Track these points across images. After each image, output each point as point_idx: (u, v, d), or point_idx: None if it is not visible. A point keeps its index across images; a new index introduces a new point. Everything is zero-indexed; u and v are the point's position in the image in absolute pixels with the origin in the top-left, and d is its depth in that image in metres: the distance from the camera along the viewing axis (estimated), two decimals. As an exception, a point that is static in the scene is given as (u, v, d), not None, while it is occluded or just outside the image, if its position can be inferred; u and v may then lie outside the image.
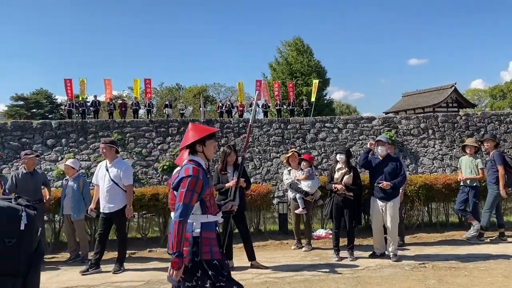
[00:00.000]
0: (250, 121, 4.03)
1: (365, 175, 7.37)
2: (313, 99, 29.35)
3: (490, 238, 7.54)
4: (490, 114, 25.79)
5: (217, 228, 3.31)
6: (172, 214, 3.14)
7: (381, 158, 6.55)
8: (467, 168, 7.59)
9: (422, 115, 26.88)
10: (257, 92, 28.33)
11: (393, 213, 6.36)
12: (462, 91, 44.18)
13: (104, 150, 6.28)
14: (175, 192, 3.12)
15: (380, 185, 6.30)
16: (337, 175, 6.61)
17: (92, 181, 6.66)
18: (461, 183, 7.72)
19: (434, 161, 23.74)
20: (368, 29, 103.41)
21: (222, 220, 3.43)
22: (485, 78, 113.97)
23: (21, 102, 46.21)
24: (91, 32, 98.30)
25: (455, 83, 35.12)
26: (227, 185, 6.10)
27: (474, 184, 7.52)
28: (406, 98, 39.59)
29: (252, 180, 7.41)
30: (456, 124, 24.63)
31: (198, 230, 3.09)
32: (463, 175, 7.66)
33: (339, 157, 6.70)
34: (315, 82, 30.43)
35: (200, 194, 3.06)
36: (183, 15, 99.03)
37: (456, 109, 33.45)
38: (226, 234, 6.21)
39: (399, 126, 24.49)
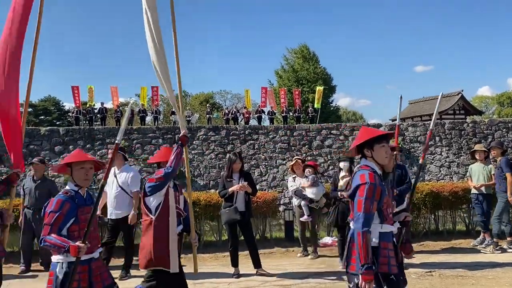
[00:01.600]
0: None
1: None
2: (317, 105, 29.37)
3: (499, 246, 7.49)
4: (498, 121, 25.64)
5: (393, 239, 3.16)
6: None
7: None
8: (480, 175, 7.48)
9: (428, 122, 26.78)
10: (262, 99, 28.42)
11: (397, 220, 6.34)
12: (469, 98, 44.01)
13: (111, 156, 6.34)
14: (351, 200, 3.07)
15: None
16: (341, 182, 6.62)
17: (100, 188, 6.70)
18: (472, 191, 7.62)
19: (441, 169, 23.61)
20: (374, 36, 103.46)
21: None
22: (492, 85, 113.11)
23: (29, 109, 46.60)
24: (99, 39, 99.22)
25: (462, 90, 35.02)
26: (230, 189, 6.13)
27: (488, 192, 7.42)
28: (412, 105, 39.50)
29: (258, 187, 7.42)
30: (463, 132, 24.50)
31: (376, 240, 2.99)
32: (474, 183, 7.55)
33: (342, 164, 6.72)
34: (319, 89, 30.45)
35: (379, 202, 2.96)
36: (190, 22, 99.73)
37: (463, 116, 33.30)
38: (232, 241, 6.27)
39: (405, 133, 24.42)
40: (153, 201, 4.27)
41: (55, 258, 3.20)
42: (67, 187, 3.38)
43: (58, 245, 3.06)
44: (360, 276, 2.82)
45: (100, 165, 3.57)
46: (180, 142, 4.40)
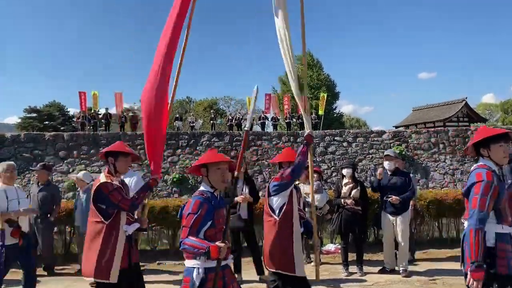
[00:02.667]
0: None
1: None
2: (321, 112, 29.38)
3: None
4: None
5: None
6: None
7: (389, 173, 6.56)
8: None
9: (432, 129, 26.72)
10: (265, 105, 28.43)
11: (403, 227, 6.34)
12: (473, 105, 43.92)
13: None
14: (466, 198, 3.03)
15: (389, 199, 6.30)
16: (344, 189, 6.62)
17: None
18: None
19: (445, 176, 23.52)
20: (377, 43, 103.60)
21: None
22: (497, 92, 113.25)
23: (34, 114, 46.80)
24: (103, 46, 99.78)
25: (466, 98, 34.95)
26: (234, 199, 6.13)
27: None
28: (416, 112, 39.46)
29: (261, 193, 7.42)
30: (467, 139, 24.41)
31: (493, 241, 2.96)
32: None
33: (345, 171, 6.72)
34: (323, 95, 30.49)
35: (496, 201, 2.93)
36: (194, 28, 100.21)
37: (467, 124, 33.21)
38: (235, 248, 6.27)
39: (409, 140, 24.37)
40: (277, 201, 4.21)
41: (190, 262, 3.08)
42: (202, 188, 3.26)
43: (198, 247, 2.91)
44: (469, 273, 2.79)
45: (234, 166, 3.42)
46: (305, 141, 4.38)
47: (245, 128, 3.32)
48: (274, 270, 4.15)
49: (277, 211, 4.19)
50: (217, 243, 2.92)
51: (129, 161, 4.26)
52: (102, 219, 3.96)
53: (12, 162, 5.41)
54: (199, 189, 3.27)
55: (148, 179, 4.38)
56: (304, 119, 4.58)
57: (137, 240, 4.51)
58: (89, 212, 4.16)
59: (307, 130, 4.50)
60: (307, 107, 4.67)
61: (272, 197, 4.24)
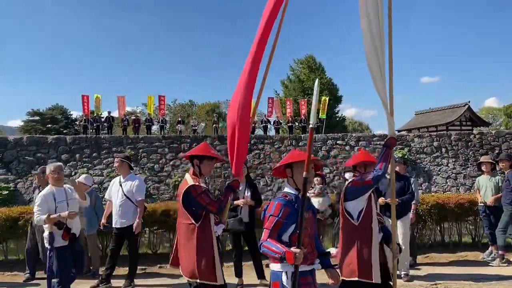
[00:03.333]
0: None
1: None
2: (323, 115, 29.38)
3: (505, 259, 7.41)
4: (505, 133, 25.49)
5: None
6: None
7: (388, 176, 6.54)
8: (487, 187, 7.45)
9: (435, 133, 26.68)
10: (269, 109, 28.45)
11: (404, 230, 6.32)
12: (476, 109, 43.80)
13: (117, 165, 6.41)
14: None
15: (387, 200, 6.28)
16: (347, 193, 6.59)
17: (105, 197, 6.76)
18: (480, 203, 7.59)
19: (447, 180, 23.46)
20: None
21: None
22: (499, 96, 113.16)
23: (37, 118, 46.97)
24: (106, 49, 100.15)
25: (469, 102, 34.89)
26: (235, 202, 6.13)
27: (496, 204, 7.35)
28: (419, 116, 39.40)
29: (263, 197, 7.44)
30: (470, 143, 24.37)
31: None
32: (482, 195, 7.52)
33: (348, 175, 6.70)
34: (325, 99, 30.50)
35: None
36: (197, 33, 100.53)
37: (470, 128, 33.13)
38: (236, 252, 6.26)
39: (412, 144, 24.33)
40: (355, 205, 4.07)
41: (277, 266, 2.99)
42: (286, 190, 3.16)
43: (274, 251, 2.85)
44: None
45: (320, 166, 3.29)
46: (388, 144, 4.18)
47: (311, 125, 3.04)
48: (351, 279, 3.98)
49: (355, 216, 4.05)
50: (292, 249, 2.83)
51: (213, 164, 4.37)
52: (193, 221, 4.03)
53: (60, 163, 5.42)
54: (283, 191, 3.18)
55: (230, 181, 4.37)
56: (387, 121, 4.37)
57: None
58: (179, 213, 4.27)
59: (390, 132, 4.27)
60: (392, 109, 4.39)
61: (349, 202, 4.08)
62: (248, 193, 6.21)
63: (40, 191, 7.20)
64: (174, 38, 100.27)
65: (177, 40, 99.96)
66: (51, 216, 4.88)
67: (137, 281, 6.45)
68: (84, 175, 7.69)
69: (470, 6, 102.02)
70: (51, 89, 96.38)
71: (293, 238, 2.96)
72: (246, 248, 6.51)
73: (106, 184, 20.91)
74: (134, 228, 6.22)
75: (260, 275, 6.21)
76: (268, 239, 2.94)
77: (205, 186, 4.18)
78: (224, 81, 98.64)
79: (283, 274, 2.94)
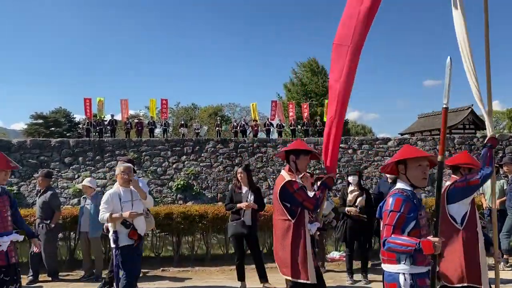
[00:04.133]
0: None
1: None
2: (325, 119, 29.31)
3: (509, 263, 7.38)
4: (508, 136, 25.41)
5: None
6: None
7: (390, 181, 6.55)
8: (492, 190, 7.41)
9: (438, 136, 26.60)
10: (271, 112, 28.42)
11: (407, 235, 6.30)
12: (479, 113, 43.65)
13: None
14: None
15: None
16: (350, 197, 6.59)
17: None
18: (484, 207, 7.56)
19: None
20: (382, 49, 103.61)
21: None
22: (502, 99, 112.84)
23: (40, 121, 47.10)
24: (109, 53, 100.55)
25: (472, 105, 34.75)
26: (238, 205, 6.13)
27: (501, 208, 7.30)
28: (422, 120, 39.29)
29: (266, 200, 7.40)
30: (473, 146, 24.31)
31: None
32: (487, 199, 7.50)
33: (351, 178, 6.69)
34: (327, 102, 30.44)
35: None
36: (200, 36, 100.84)
37: (473, 131, 33.03)
38: (239, 255, 6.25)
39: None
40: (458, 208, 3.92)
41: (393, 267, 2.89)
42: (400, 186, 3.05)
43: (404, 244, 2.71)
44: None
45: (435, 163, 3.13)
46: (490, 144, 4.08)
47: (444, 105, 2.91)
48: (462, 284, 3.86)
49: (459, 220, 3.92)
50: (429, 237, 2.71)
51: (309, 160, 4.33)
52: (289, 217, 3.99)
53: (129, 164, 5.45)
54: (397, 187, 3.07)
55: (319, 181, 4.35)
56: (486, 121, 4.27)
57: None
58: (274, 210, 4.24)
59: (490, 132, 4.16)
60: (491, 108, 4.28)
61: (452, 204, 3.96)
62: (251, 197, 6.20)
63: (42, 195, 7.25)
64: (177, 41, 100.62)
65: (180, 44, 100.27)
66: (113, 215, 4.96)
67: (140, 284, 6.43)
68: (88, 178, 7.71)
69: (473, 8, 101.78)
70: (54, 93, 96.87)
71: (412, 234, 2.84)
72: (249, 251, 6.50)
73: (109, 187, 20.90)
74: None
75: (263, 278, 6.19)
76: (392, 235, 2.81)
77: (301, 182, 4.15)
78: (227, 85, 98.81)
79: (400, 276, 2.82)
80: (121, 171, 5.18)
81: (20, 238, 4.49)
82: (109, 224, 5.05)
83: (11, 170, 4.47)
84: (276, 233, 4.16)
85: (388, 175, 6.53)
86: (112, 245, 5.03)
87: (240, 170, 6.34)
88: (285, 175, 4.13)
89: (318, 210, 4.44)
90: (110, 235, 5.05)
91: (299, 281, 3.89)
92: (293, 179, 4.05)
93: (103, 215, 4.98)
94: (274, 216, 4.22)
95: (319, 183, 7.42)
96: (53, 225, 7.16)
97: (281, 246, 4.05)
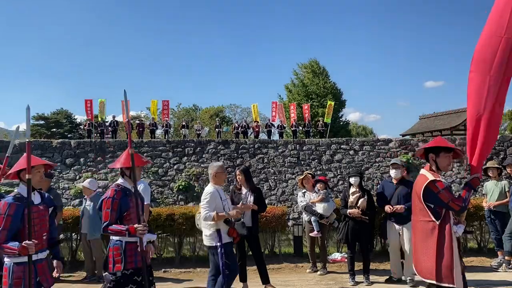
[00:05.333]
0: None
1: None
2: (328, 120, 29.34)
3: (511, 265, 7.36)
4: (510, 137, 25.38)
5: None
6: None
7: (395, 182, 6.53)
8: (494, 192, 7.41)
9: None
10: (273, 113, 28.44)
11: (410, 236, 6.28)
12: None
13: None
14: None
15: (395, 209, 6.26)
16: (351, 198, 6.58)
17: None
18: (486, 208, 7.55)
19: (452, 185, 23.37)
20: (384, 51, 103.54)
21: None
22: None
23: (42, 122, 47.20)
24: (111, 54, 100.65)
25: (473, 106, 34.71)
26: (237, 206, 6.10)
27: (502, 210, 7.29)
28: (423, 121, 39.28)
29: (267, 201, 7.40)
30: (474, 147, 24.27)
31: None
32: (489, 200, 7.48)
33: (353, 180, 6.69)
34: (330, 103, 30.46)
35: None
36: (200, 37, 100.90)
37: (474, 132, 32.95)
38: (240, 256, 6.24)
39: (416, 148, 24.25)
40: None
41: None
42: (426, 171, 3.26)
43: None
44: None
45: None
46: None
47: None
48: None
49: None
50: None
51: (451, 158, 4.14)
52: (433, 219, 3.86)
53: (221, 163, 5.57)
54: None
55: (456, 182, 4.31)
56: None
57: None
58: (414, 211, 4.09)
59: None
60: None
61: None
62: (251, 198, 6.19)
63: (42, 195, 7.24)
64: (178, 42, 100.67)
65: (181, 45, 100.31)
66: (220, 214, 5.03)
67: None
68: (88, 179, 7.71)
69: (474, 9, 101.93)
70: (56, 94, 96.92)
71: None
72: (250, 253, 6.50)
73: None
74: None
75: (265, 279, 6.19)
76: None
77: (446, 182, 3.99)
78: (228, 86, 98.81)
79: None
80: (216, 171, 5.31)
81: (154, 237, 4.48)
82: (210, 223, 5.08)
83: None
84: (417, 235, 4.02)
85: (393, 176, 6.52)
86: (213, 244, 5.08)
87: (238, 171, 6.33)
88: (427, 175, 3.98)
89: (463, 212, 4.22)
90: (209, 234, 5.10)
91: (444, 285, 3.77)
92: (437, 178, 3.91)
93: (208, 213, 5.01)
94: (413, 218, 4.09)
95: (319, 184, 7.49)
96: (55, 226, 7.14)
97: (423, 248, 3.91)
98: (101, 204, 4.02)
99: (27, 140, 3.59)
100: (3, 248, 3.36)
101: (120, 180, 4.16)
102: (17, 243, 3.37)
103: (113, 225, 3.90)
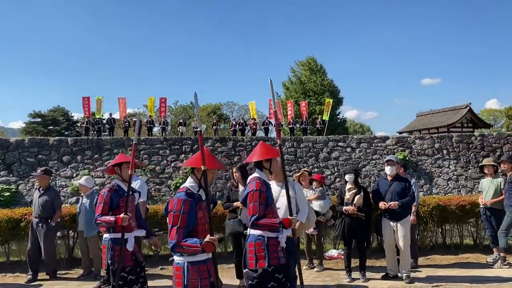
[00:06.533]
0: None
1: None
2: (326, 118, 29.38)
3: (507, 261, 7.41)
4: (506, 134, 25.49)
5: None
6: None
7: (390, 178, 6.56)
8: (490, 189, 7.44)
9: (436, 135, 26.66)
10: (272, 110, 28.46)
11: (404, 232, 6.32)
12: (477, 111, 43.75)
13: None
14: None
15: (388, 205, 6.30)
16: (347, 195, 6.61)
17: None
18: (481, 205, 7.58)
19: (449, 182, 23.45)
20: (381, 48, 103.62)
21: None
22: (500, 98, 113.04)
23: (39, 119, 47.09)
24: (108, 52, 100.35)
25: (470, 103, 34.83)
26: (235, 204, 6.14)
27: (496, 207, 7.32)
28: (420, 118, 39.35)
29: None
30: (471, 145, 24.37)
31: None
32: (484, 197, 7.52)
33: (348, 177, 6.71)
34: (329, 101, 30.49)
35: None
36: (198, 35, 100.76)
37: (471, 130, 33.09)
38: (237, 253, 6.26)
39: (413, 146, 24.33)
40: None
41: None
42: None
43: None
44: None
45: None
46: None
47: None
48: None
49: None
50: None
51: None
52: None
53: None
54: None
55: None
56: None
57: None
58: None
59: None
60: None
61: None
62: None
63: (41, 192, 7.26)
64: (176, 39, 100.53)
65: (178, 42, 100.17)
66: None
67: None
68: (85, 177, 7.71)
69: (472, 7, 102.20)
70: (52, 91, 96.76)
71: None
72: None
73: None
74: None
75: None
76: None
77: None
78: (226, 83, 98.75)
79: None
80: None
81: (143, 233, 4.70)
82: None
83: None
84: None
85: (388, 173, 6.54)
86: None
87: (234, 169, 6.35)
88: None
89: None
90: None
91: None
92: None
93: None
94: None
95: (314, 183, 7.50)
96: (53, 224, 7.18)
97: None
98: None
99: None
100: (181, 247, 3.11)
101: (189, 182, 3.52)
102: (197, 239, 3.12)
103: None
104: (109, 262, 4.39)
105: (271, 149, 4.04)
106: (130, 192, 4.52)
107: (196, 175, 3.46)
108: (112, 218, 4.34)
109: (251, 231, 3.81)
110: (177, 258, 3.25)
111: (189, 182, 3.44)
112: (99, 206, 4.44)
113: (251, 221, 3.65)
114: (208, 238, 3.07)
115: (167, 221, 3.26)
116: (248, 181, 3.95)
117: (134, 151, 4.71)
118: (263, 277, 3.67)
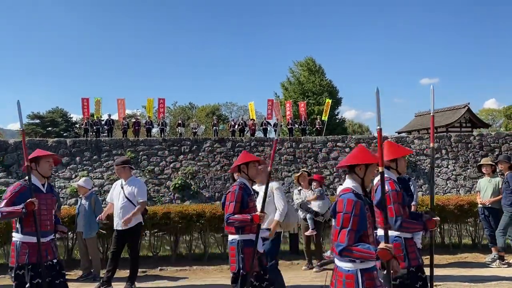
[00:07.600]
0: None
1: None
2: (325, 118, 29.39)
3: (505, 260, 7.43)
4: (505, 134, 25.52)
5: None
6: None
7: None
8: (488, 189, 7.45)
9: (435, 135, 26.66)
10: (270, 110, 28.49)
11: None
12: (476, 111, 43.78)
13: (118, 171, 6.42)
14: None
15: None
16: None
17: (107, 200, 6.78)
18: (479, 205, 7.59)
19: (447, 182, 23.48)
20: (379, 48, 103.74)
21: None
22: (499, 97, 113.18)
23: (37, 120, 47.01)
24: (106, 53, 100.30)
25: (469, 103, 34.86)
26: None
27: (494, 206, 7.35)
28: (418, 118, 39.37)
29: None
30: (469, 144, 24.39)
31: None
32: (482, 197, 7.53)
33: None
34: (328, 101, 30.50)
35: None
36: (197, 35, 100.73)
37: (469, 129, 33.12)
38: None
39: (412, 146, 24.34)
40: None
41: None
42: None
43: None
44: None
45: None
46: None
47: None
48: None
49: None
50: None
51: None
52: None
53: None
54: None
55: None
56: None
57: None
58: None
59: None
60: None
61: None
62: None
63: None
64: (174, 40, 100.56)
65: (177, 43, 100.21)
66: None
67: (138, 284, 6.46)
68: (83, 178, 7.72)
69: (470, 7, 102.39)
70: (51, 92, 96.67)
71: None
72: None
73: (106, 187, 20.93)
74: (124, 220, 6.13)
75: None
76: None
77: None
78: (224, 84, 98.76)
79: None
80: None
81: (65, 229, 4.78)
82: None
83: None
84: None
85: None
86: None
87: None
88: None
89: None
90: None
91: None
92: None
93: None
94: None
95: (314, 183, 7.51)
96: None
97: None
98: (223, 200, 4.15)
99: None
100: (351, 251, 2.90)
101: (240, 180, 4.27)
102: (369, 245, 2.91)
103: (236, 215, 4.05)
104: (240, 266, 4.14)
105: (398, 147, 4.16)
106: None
107: (357, 173, 3.28)
108: (248, 217, 4.02)
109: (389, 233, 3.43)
110: (344, 265, 3.04)
111: (351, 183, 3.21)
112: (231, 205, 4.07)
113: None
114: (383, 245, 2.83)
115: (335, 223, 3.07)
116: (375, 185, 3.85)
117: (274, 149, 4.45)
118: (407, 278, 3.85)
